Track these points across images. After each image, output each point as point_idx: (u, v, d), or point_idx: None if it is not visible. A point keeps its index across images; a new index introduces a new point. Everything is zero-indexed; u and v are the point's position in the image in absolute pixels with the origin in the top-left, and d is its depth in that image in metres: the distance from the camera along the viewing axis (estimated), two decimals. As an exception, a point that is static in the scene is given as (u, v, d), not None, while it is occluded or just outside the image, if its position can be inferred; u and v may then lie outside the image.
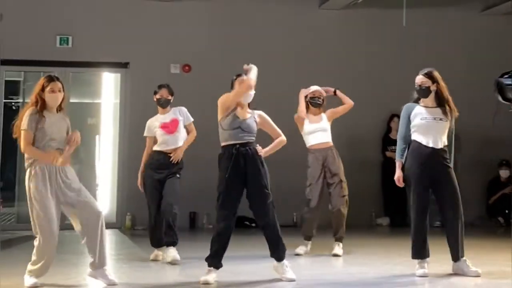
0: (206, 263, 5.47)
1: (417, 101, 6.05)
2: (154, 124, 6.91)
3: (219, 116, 5.61)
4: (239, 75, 5.75)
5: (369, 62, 10.67)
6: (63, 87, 5.30)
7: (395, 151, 9.75)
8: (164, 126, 6.84)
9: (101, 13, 10.08)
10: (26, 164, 5.28)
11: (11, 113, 10.47)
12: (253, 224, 9.73)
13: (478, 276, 5.67)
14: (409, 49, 10.71)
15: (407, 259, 6.10)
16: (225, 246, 5.49)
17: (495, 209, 10.54)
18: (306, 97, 7.25)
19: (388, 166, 10.30)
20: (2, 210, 10.37)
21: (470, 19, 11.00)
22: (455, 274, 5.79)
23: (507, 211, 10.14)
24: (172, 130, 6.83)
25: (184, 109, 7.02)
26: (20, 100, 10.61)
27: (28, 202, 5.25)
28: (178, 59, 10.27)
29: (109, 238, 8.73)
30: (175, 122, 6.88)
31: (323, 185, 7.13)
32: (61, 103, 5.31)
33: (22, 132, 5.17)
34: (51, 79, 5.26)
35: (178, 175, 6.84)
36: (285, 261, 5.60)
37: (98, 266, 5.33)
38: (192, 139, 7.00)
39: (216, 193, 5.54)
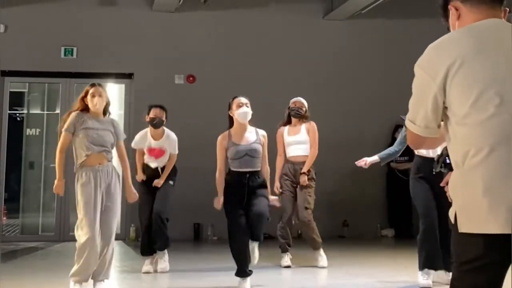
0: (209, 275, 5.45)
1: None
2: (142, 143, 6.82)
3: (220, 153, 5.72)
4: (235, 97, 5.78)
5: (373, 72, 10.66)
6: (105, 94, 5.46)
7: (400, 162, 9.86)
8: (150, 151, 6.78)
9: (105, 24, 10.10)
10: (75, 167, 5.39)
11: (16, 124, 10.48)
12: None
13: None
14: (414, 60, 10.68)
15: (413, 270, 6.06)
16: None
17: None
18: (288, 108, 7.13)
19: (392, 177, 10.29)
20: (7, 221, 10.36)
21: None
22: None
23: None
24: (158, 156, 6.81)
25: (174, 139, 6.84)
26: (25, 111, 10.61)
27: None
28: (183, 69, 10.28)
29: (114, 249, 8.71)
30: (161, 152, 6.80)
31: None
32: (106, 107, 5.47)
33: (62, 133, 5.35)
34: (93, 84, 5.47)
35: (171, 182, 6.80)
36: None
37: (96, 277, 5.37)
38: (169, 168, 6.84)
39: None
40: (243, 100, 5.72)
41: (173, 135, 6.85)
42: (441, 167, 2.51)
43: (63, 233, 9.53)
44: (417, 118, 2.23)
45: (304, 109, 7.11)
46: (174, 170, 6.88)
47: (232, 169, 5.64)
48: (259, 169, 5.65)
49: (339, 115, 10.42)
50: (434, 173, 2.62)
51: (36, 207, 10.12)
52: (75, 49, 10.02)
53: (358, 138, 10.44)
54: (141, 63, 10.11)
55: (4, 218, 10.01)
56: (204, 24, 10.35)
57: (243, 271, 5.54)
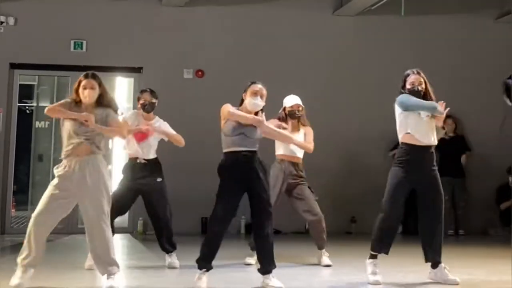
0: (221, 269, 5.38)
1: None
2: (133, 120, 6.56)
3: (221, 122, 5.52)
4: (253, 82, 5.63)
5: (383, 68, 10.63)
6: (100, 84, 5.28)
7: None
8: (136, 134, 6.52)
9: (115, 18, 10.12)
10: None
11: (25, 116, 10.54)
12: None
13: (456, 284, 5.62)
14: (424, 55, 10.67)
15: (420, 267, 6.07)
16: (217, 249, 5.44)
17: (508, 217, 10.45)
18: (284, 109, 7.03)
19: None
20: (15, 213, 10.41)
21: (485, 26, 10.95)
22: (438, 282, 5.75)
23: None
24: (142, 138, 6.55)
25: (165, 122, 6.73)
26: (34, 104, 10.66)
27: None
28: (191, 64, 10.30)
29: (121, 242, 8.75)
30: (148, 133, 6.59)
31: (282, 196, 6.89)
32: (101, 99, 5.27)
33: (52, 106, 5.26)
34: (86, 76, 5.28)
35: (159, 179, 6.60)
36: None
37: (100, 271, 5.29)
38: (177, 138, 6.64)
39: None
40: (260, 89, 5.56)
41: (163, 121, 6.74)
42: None
43: (72, 226, 9.57)
44: None
45: (300, 108, 7.05)
46: (159, 166, 6.67)
47: (225, 150, 5.44)
48: (256, 149, 5.42)
49: (347, 111, 10.41)
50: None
51: (45, 199, 10.16)
52: (84, 42, 10.04)
53: (365, 133, 10.42)
54: (150, 57, 10.13)
55: (13, 210, 10.06)
56: (213, 19, 10.36)
57: (207, 262, 5.40)
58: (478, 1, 10.84)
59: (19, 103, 10.01)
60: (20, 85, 10.04)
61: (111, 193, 5.37)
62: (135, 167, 6.56)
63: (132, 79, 10.38)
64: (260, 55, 10.35)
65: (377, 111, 10.51)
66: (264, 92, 5.59)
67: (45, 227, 5.24)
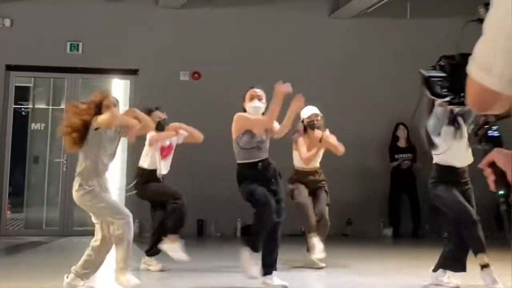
0: (220, 270, 5.34)
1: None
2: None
3: (235, 134, 5.55)
4: (250, 88, 5.72)
5: (378, 71, 10.65)
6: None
7: (405, 160, 9.89)
8: (163, 151, 6.75)
9: (111, 19, 10.11)
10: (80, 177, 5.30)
11: (21, 118, 10.49)
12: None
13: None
14: (419, 58, 10.66)
15: (416, 270, 6.08)
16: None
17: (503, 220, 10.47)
18: (302, 121, 7.09)
19: (395, 175, 10.29)
20: (11, 215, 10.38)
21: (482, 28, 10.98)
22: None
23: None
24: (168, 153, 6.79)
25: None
26: (30, 106, 10.63)
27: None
28: (188, 66, 10.29)
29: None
30: (171, 148, 6.83)
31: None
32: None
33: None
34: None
35: None
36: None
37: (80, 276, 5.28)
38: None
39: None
40: (257, 92, 5.67)
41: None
42: (480, 141, 1.80)
43: (67, 228, 9.55)
44: (495, 65, 1.53)
45: (319, 117, 7.07)
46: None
47: (241, 161, 5.51)
48: (268, 157, 5.56)
49: (343, 114, 10.40)
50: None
51: (40, 201, 10.14)
52: (80, 44, 10.03)
53: (361, 136, 10.43)
54: (147, 59, 10.12)
55: (8, 212, 10.03)
56: (210, 21, 10.35)
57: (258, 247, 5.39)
58: (476, 2, 10.83)
59: (15, 105, 9.98)
60: (16, 87, 10.01)
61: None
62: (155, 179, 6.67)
63: (128, 81, 10.36)
64: (256, 57, 10.35)
65: (373, 114, 10.54)
66: (260, 93, 5.68)
67: None
